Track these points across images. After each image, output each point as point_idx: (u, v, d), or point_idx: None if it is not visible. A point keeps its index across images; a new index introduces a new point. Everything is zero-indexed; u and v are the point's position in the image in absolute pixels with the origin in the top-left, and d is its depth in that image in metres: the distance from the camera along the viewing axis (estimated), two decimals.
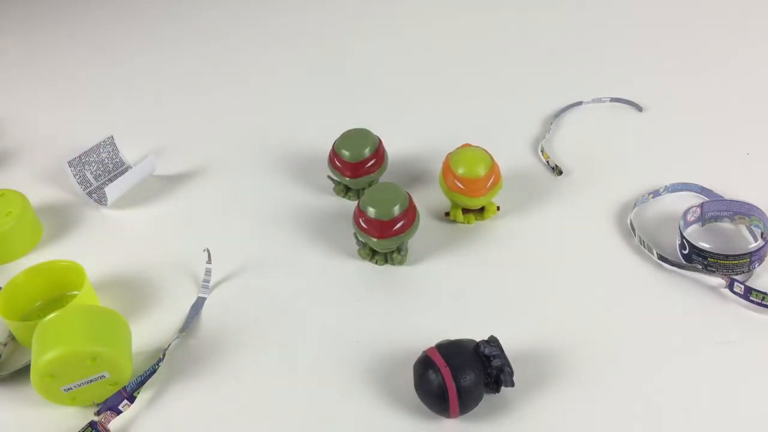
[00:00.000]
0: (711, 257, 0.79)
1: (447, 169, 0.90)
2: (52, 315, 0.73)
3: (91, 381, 0.72)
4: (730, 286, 0.78)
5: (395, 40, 1.36)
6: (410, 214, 0.85)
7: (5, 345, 0.82)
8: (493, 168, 0.89)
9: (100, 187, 1.04)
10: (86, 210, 1.02)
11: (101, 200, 1.02)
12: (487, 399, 0.71)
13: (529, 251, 0.87)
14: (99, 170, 1.05)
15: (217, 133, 1.15)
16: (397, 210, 0.83)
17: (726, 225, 0.87)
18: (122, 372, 0.73)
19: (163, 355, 0.77)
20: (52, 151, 1.14)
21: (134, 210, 1.01)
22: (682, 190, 0.93)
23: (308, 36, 1.41)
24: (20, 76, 1.39)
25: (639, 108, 1.10)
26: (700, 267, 0.80)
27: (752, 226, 0.85)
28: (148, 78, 1.33)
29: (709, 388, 0.70)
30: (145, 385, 0.74)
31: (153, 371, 0.75)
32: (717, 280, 0.80)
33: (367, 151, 0.94)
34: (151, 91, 1.29)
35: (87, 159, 1.04)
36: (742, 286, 0.77)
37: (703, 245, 0.81)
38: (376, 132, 0.98)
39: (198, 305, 0.84)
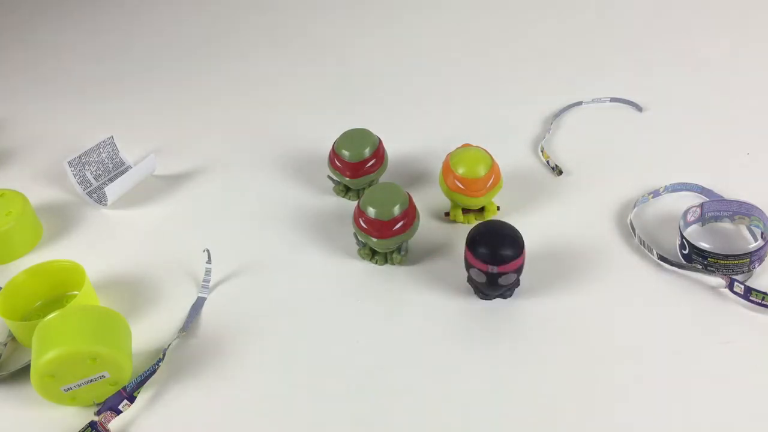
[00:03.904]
0: (711, 257, 0.79)
1: (447, 169, 0.90)
2: (52, 315, 0.73)
3: (91, 381, 0.72)
4: (730, 286, 0.78)
5: (395, 40, 1.36)
6: (410, 214, 0.85)
7: (5, 345, 0.82)
8: (493, 168, 0.89)
9: (100, 187, 1.04)
10: (86, 210, 1.02)
11: (101, 200, 1.02)
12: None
13: (529, 251, 0.87)
14: (99, 170, 1.05)
15: (217, 132, 1.15)
16: (397, 210, 0.83)
17: (726, 225, 0.87)
18: (122, 372, 0.73)
19: (163, 355, 0.77)
20: (52, 151, 1.14)
21: (134, 210, 1.01)
22: (682, 190, 0.93)
23: (308, 36, 1.41)
24: (20, 76, 1.39)
25: (639, 108, 1.10)
26: (700, 267, 0.80)
27: (752, 226, 0.85)
28: (149, 78, 1.33)
29: (709, 388, 0.70)
30: (145, 385, 0.74)
31: (153, 371, 0.75)
32: (717, 280, 0.80)
33: (367, 151, 0.94)
34: (152, 91, 1.29)
35: (87, 159, 1.04)
36: (742, 286, 0.77)
37: (703, 245, 0.81)
38: (376, 132, 0.98)
39: (198, 305, 0.84)
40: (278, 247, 0.92)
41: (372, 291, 0.84)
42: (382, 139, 0.97)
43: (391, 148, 1.01)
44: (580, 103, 1.12)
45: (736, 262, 0.79)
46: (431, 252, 0.88)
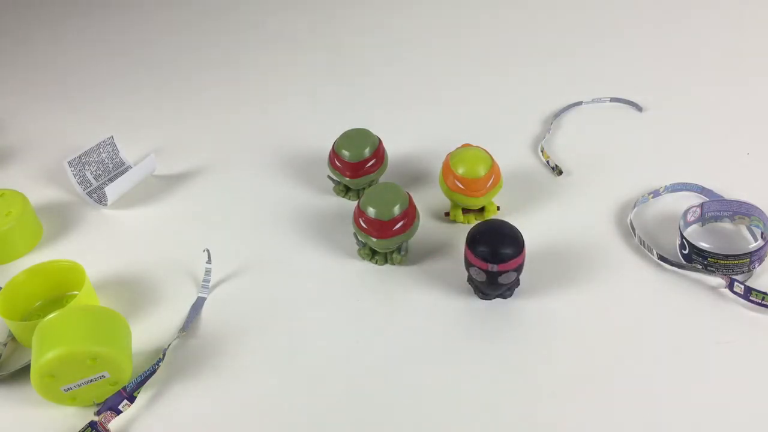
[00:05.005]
0: (711, 257, 0.79)
1: (447, 169, 0.90)
2: (52, 315, 0.73)
3: (91, 381, 0.72)
4: (730, 286, 0.78)
5: (396, 39, 1.36)
6: (410, 214, 0.85)
7: (5, 345, 0.82)
8: (493, 168, 0.89)
9: (100, 187, 1.04)
10: (86, 210, 1.02)
11: (101, 200, 1.02)
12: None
13: (529, 251, 0.87)
14: (99, 170, 1.05)
15: (217, 133, 1.15)
16: (397, 210, 0.83)
17: (726, 225, 0.87)
18: (122, 372, 0.73)
19: (163, 355, 0.77)
20: (52, 151, 1.14)
21: (134, 210, 1.01)
22: (682, 190, 0.93)
23: (309, 36, 1.41)
24: (20, 76, 1.39)
25: (639, 108, 1.10)
26: (700, 267, 0.80)
27: (752, 226, 0.85)
28: (148, 78, 1.33)
29: (709, 388, 0.70)
30: (145, 385, 0.74)
31: (153, 371, 0.75)
32: (717, 280, 0.80)
33: (367, 151, 0.94)
34: (151, 91, 1.29)
35: (87, 159, 1.04)
36: (742, 286, 0.77)
37: (703, 245, 0.81)
38: (376, 132, 0.98)
39: (198, 305, 0.84)
40: (278, 247, 0.92)
41: (372, 291, 0.84)
42: (382, 139, 0.97)
43: (391, 148, 1.01)
44: (580, 103, 1.12)
45: (736, 262, 0.79)
46: (431, 252, 0.88)
